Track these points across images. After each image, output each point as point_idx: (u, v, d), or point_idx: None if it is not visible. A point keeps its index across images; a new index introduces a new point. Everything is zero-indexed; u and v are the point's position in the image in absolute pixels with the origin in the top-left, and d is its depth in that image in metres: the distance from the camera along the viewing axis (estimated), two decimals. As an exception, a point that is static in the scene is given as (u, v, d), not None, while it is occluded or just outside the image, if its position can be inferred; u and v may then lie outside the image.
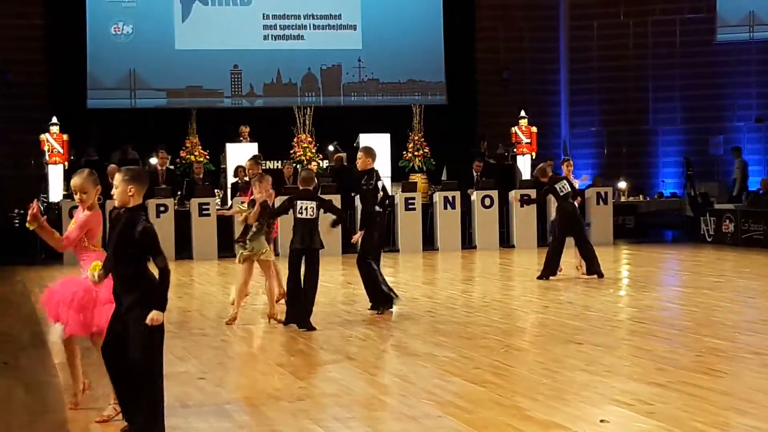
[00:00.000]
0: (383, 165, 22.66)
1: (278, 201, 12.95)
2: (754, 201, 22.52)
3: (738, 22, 26.10)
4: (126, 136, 23.64)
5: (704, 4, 26.66)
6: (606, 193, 21.93)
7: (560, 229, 15.80)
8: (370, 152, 12.55)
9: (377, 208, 12.47)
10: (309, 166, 22.63)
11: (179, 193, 21.75)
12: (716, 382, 8.14)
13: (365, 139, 23.15)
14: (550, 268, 15.73)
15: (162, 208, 20.19)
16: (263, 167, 23.03)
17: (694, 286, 14.96)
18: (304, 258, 11.44)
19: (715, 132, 26.91)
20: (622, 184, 25.01)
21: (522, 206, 19.57)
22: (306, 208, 11.44)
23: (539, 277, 15.68)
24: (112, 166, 21.41)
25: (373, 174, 12.48)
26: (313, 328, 11.22)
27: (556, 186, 15.70)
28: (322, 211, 11.56)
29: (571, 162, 16.25)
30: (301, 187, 11.76)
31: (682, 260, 19.51)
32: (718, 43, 26.47)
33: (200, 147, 23.20)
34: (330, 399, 7.87)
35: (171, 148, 22.90)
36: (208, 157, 23.14)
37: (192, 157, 22.90)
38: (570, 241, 15.95)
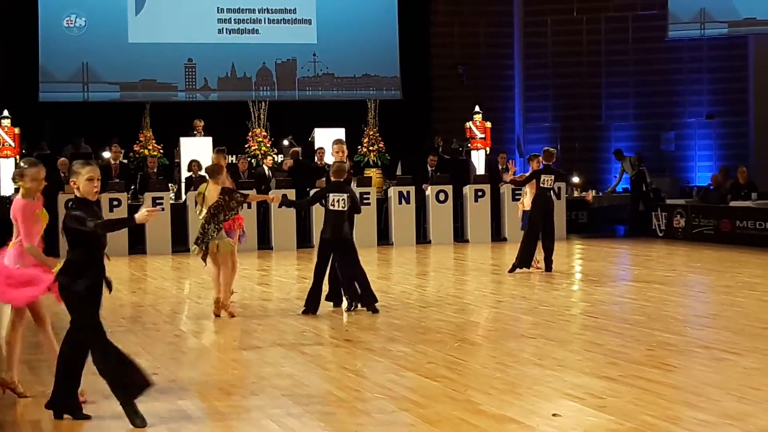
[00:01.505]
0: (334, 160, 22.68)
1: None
2: (705, 197, 22.77)
3: (690, 19, 26.33)
4: (79, 129, 23.45)
5: (656, 1, 26.87)
6: (559, 188, 22.06)
7: (535, 221, 15.86)
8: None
9: None
10: (264, 161, 22.61)
11: (133, 187, 21.63)
12: (667, 376, 8.24)
13: (320, 134, 23.18)
14: (523, 261, 15.80)
15: (115, 203, 20.08)
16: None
17: (645, 280, 15.10)
18: (334, 249, 11.84)
19: (666, 128, 27.16)
20: (575, 179, 25.18)
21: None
22: (337, 200, 11.75)
23: (511, 270, 15.73)
24: (63, 159, 21.28)
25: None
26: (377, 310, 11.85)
27: (543, 176, 15.83)
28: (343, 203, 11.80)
29: (540, 158, 16.32)
30: (333, 179, 11.99)
31: (633, 255, 19.69)
32: (670, 40, 26.69)
33: (154, 141, 23.04)
34: (284, 394, 7.87)
35: (124, 142, 22.76)
36: (162, 151, 23.00)
37: (146, 151, 22.75)
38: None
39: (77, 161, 7.20)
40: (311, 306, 11.95)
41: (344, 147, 13.00)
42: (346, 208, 11.87)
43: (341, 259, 11.98)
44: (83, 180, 6.96)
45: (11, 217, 7.70)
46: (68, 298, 6.98)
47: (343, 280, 12.12)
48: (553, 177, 15.98)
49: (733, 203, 21.04)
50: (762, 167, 24.92)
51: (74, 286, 6.90)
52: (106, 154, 22.43)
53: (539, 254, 16.00)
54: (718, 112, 26.94)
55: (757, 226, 19.84)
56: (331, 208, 11.85)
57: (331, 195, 11.86)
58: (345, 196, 11.86)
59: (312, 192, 12.98)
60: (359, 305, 12.06)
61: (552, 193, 16.18)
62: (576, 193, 24.84)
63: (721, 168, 23.83)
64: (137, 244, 20.22)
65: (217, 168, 12.02)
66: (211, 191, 11.78)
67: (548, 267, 15.89)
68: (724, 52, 26.95)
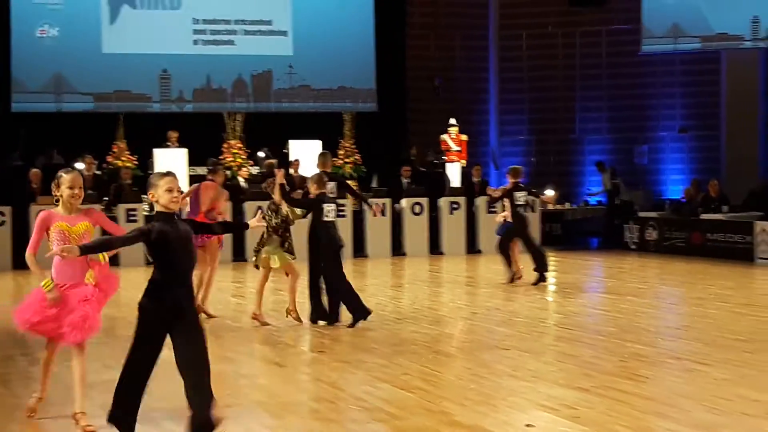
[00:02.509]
0: (314, 172, 22.68)
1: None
2: (677, 210, 22.92)
3: (663, 33, 26.52)
4: (52, 140, 23.34)
5: (630, 16, 27.04)
6: (534, 201, 22.16)
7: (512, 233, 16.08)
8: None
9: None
10: (239, 173, 22.61)
11: (106, 198, 21.56)
12: (639, 387, 8.30)
13: (296, 146, 23.19)
14: (541, 266, 16.07)
15: (89, 214, 19.98)
16: (195, 173, 23.00)
17: (618, 292, 15.19)
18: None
19: (639, 141, 27.34)
20: (550, 192, 25.26)
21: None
22: (331, 210, 11.95)
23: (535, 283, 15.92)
24: (35, 170, 21.19)
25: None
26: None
27: (514, 193, 16.02)
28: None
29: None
30: (320, 190, 12.09)
31: (606, 267, 19.79)
32: (643, 54, 26.88)
33: (128, 152, 23.01)
34: (258, 406, 7.88)
35: (98, 153, 22.66)
36: (136, 162, 22.95)
37: (119, 162, 22.70)
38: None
39: (155, 173, 6.69)
40: (360, 311, 11.96)
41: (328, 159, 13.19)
42: (336, 218, 12.08)
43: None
44: (162, 192, 6.40)
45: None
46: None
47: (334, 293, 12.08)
48: (525, 193, 16.13)
49: (704, 216, 21.21)
50: (733, 181, 25.12)
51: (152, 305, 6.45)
52: (79, 165, 22.32)
53: (522, 264, 16.19)
54: (690, 126, 27.14)
55: (728, 238, 19.99)
56: (325, 218, 11.94)
57: (325, 206, 11.97)
58: (334, 206, 12.07)
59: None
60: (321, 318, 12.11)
61: (525, 210, 16.30)
62: (550, 206, 24.95)
63: (693, 181, 24.01)
64: (112, 256, 20.11)
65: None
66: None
67: (516, 277, 16.10)
68: (697, 67, 27.17)
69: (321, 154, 13.26)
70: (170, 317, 6.36)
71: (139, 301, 6.43)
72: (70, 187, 7.25)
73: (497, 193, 16.58)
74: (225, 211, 14.28)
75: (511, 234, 16.13)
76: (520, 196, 16.03)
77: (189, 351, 6.41)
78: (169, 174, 6.54)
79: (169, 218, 6.39)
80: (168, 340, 6.44)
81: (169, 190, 6.40)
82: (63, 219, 7.27)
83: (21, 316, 7.37)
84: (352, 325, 11.84)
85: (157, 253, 6.34)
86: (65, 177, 7.29)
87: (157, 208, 6.45)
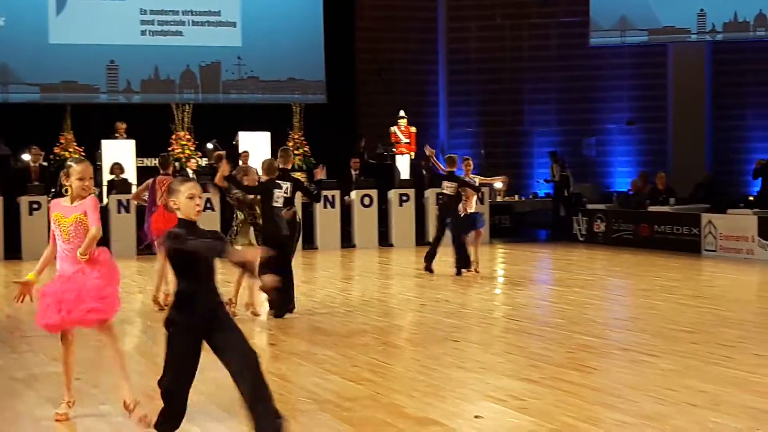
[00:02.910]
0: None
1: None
2: (625, 202, 23.11)
3: (611, 26, 26.71)
4: (-2, 131, 23.08)
5: (578, 8, 27.20)
6: (483, 193, 22.20)
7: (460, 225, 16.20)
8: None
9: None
10: (188, 164, 22.47)
11: (53, 190, 21.32)
12: (586, 378, 8.37)
13: (245, 137, 23.09)
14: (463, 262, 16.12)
15: (35, 206, 19.84)
16: (142, 164, 22.83)
17: (566, 284, 15.30)
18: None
19: (588, 134, 27.52)
20: (499, 185, 25.38)
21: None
22: (279, 197, 11.85)
23: (458, 273, 16.03)
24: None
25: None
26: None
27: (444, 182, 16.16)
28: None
29: (471, 161, 16.62)
30: (267, 177, 12.03)
31: (555, 259, 19.92)
32: (592, 47, 27.05)
33: (75, 143, 22.80)
34: (208, 399, 7.85)
35: (45, 144, 22.41)
36: (83, 153, 22.73)
37: (66, 154, 22.47)
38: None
39: (176, 178, 6.41)
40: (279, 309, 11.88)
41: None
42: (281, 204, 11.96)
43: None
44: (183, 198, 6.08)
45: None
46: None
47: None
48: (455, 185, 16.16)
49: (651, 208, 21.40)
50: (680, 173, 25.38)
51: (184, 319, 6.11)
52: (26, 157, 22.08)
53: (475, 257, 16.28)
54: (638, 119, 27.37)
55: (675, 230, 20.20)
56: (276, 204, 11.90)
57: (276, 191, 11.91)
58: (281, 192, 11.93)
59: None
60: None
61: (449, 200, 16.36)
62: (499, 198, 25.07)
63: (640, 173, 24.22)
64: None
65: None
66: None
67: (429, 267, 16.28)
68: (644, 60, 27.40)
69: (282, 150, 13.03)
70: (204, 325, 6.09)
71: (166, 317, 6.13)
72: (80, 179, 7.08)
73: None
74: None
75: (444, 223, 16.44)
76: (448, 186, 16.13)
77: (234, 355, 6.23)
78: (190, 180, 6.28)
79: (192, 226, 6.07)
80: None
81: (191, 197, 6.09)
82: (60, 209, 7.18)
83: (41, 322, 7.25)
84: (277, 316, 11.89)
85: (181, 262, 6.02)
86: (75, 167, 7.10)
87: (178, 215, 6.13)
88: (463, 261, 16.07)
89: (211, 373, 8.88)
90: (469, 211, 16.22)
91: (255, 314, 12.05)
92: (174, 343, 6.12)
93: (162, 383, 6.17)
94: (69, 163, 7.19)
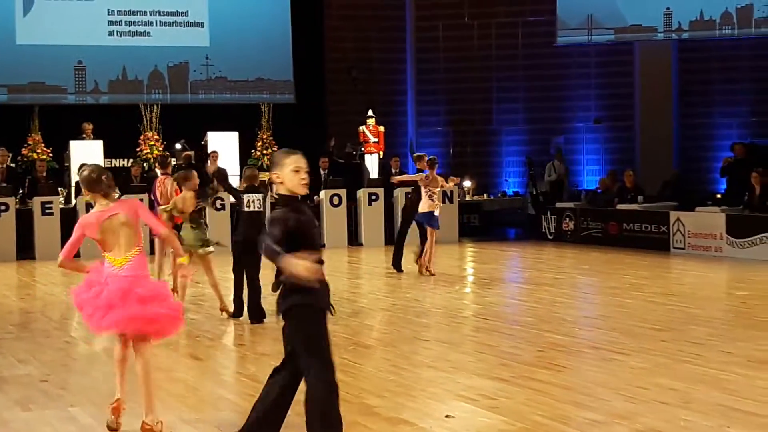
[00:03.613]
0: (231, 163, 22.57)
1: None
2: (593, 200, 23.21)
3: (577, 25, 26.82)
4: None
5: (545, 7, 27.28)
6: (451, 192, 22.27)
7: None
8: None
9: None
10: (156, 165, 22.38)
11: (21, 191, 21.20)
12: (557, 377, 8.39)
13: (213, 137, 23.02)
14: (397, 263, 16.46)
15: (3, 207, 19.69)
16: (111, 165, 22.71)
17: (535, 282, 15.34)
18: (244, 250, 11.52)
19: (556, 132, 27.60)
20: (467, 183, 25.45)
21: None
22: (253, 201, 11.80)
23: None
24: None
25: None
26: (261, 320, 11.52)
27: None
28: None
29: (436, 160, 16.76)
30: (246, 184, 12.06)
31: (524, 258, 19.98)
32: (559, 46, 27.15)
33: (43, 144, 22.66)
34: (177, 400, 7.81)
35: (12, 145, 22.25)
36: (51, 154, 22.60)
37: (34, 155, 22.34)
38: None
39: (281, 150, 5.90)
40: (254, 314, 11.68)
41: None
42: (262, 209, 11.86)
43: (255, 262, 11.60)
44: (288, 171, 5.65)
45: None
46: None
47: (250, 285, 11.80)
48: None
49: (620, 206, 21.50)
50: (648, 171, 25.51)
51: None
52: (-7, 158, 21.94)
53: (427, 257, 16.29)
54: (605, 117, 27.47)
55: (644, 228, 20.30)
56: (246, 209, 11.84)
57: (246, 196, 11.87)
58: (261, 196, 11.91)
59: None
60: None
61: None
62: (468, 197, 25.11)
63: (608, 172, 24.33)
64: (25, 249, 19.82)
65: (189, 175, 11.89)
66: (188, 199, 11.67)
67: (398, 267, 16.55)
68: (611, 58, 27.51)
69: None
70: (326, 305, 5.76)
71: (290, 304, 5.65)
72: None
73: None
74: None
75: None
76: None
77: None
78: (295, 152, 5.78)
79: (296, 202, 5.65)
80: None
81: (297, 171, 5.64)
82: None
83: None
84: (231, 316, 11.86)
85: (293, 241, 5.49)
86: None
87: (279, 190, 5.67)
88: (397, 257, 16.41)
89: (180, 374, 8.87)
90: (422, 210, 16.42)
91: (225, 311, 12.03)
92: (311, 329, 5.74)
93: (319, 383, 5.73)
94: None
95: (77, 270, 7.23)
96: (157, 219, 7.19)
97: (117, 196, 7.00)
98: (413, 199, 16.52)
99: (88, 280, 6.97)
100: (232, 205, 20.14)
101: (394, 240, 17.31)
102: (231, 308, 11.91)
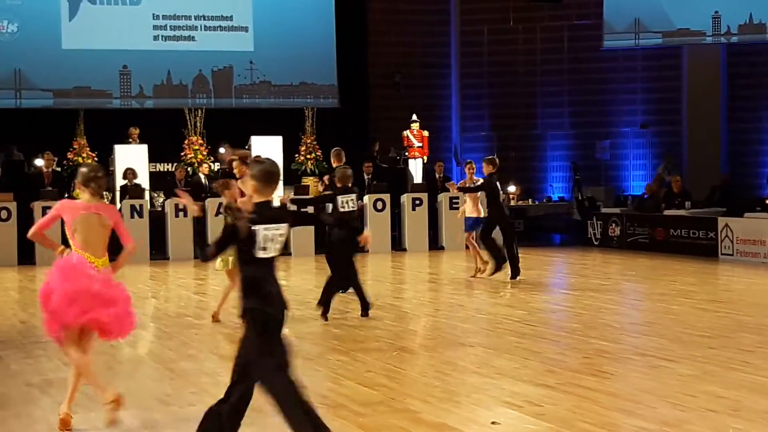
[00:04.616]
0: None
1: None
2: (639, 205, 23.01)
3: (624, 29, 26.63)
4: (11, 137, 23.04)
5: (591, 11, 27.13)
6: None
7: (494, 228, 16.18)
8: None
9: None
10: (200, 169, 22.48)
11: (66, 195, 21.32)
12: (603, 384, 8.29)
13: (257, 142, 23.05)
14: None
15: (48, 211, 19.79)
16: (155, 170, 22.87)
17: (581, 288, 15.21)
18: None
19: (601, 137, 27.41)
20: (512, 188, 25.32)
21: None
22: (347, 202, 12.19)
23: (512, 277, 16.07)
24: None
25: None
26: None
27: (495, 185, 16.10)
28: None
29: (473, 165, 16.60)
30: (339, 185, 12.40)
31: (569, 263, 19.83)
32: (605, 50, 26.96)
33: (88, 148, 22.80)
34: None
35: (58, 149, 22.41)
36: (96, 159, 22.74)
37: (79, 159, 22.48)
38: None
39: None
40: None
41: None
42: (356, 208, 12.37)
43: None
44: None
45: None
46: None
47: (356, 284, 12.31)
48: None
49: (667, 212, 21.29)
50: (695, 176, 25.26)
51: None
52: (39, 162, 22.11)
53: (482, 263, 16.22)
54: (652, 122, 27.25)
55: (691, 234, 20.08)
56: (343, 210, 12.18)
57: (340, 198, 12.21)
58: (354, 196, 12.31)
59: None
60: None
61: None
62: (513, 203, 24.98)
63: (655, 177, 24.10)
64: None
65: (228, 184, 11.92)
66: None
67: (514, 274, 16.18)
68: (658, 62, 27.30)
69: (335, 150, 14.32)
70: (280, 310, 6.08)
71: (246, 307, 5.99)
72: None
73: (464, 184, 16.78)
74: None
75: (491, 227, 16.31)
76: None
77: None
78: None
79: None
80: None
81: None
82: None
83: None
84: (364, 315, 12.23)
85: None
86: None
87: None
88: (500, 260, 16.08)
89: (225, 378, 8.83)
90: (467, 215, 16.27)
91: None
92: (262, 332, 5.97)
93: (275, 386, 5.95)
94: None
95: (48, 246, 7.60)
96: (127, 232, 7.32)
97: (104, 199, 7.27)
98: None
99: (68, 275, 7.10)
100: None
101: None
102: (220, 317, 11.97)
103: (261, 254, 5.86)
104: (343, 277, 12.20)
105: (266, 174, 6.02)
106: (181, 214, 20.49)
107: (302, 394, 5.88)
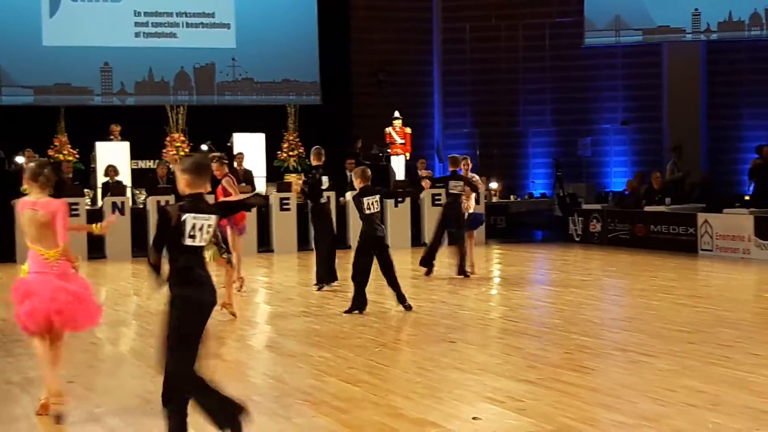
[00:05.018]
0: (258, 165, 22.59)
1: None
2: (620, 202, 23.08)
3: (605, 26, 26.71)
4: (-9, 134, 23.00)
5: (573, 8, 27.20)
6: (478, 194, 22.16)
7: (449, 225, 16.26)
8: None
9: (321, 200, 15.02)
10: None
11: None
12: (584, 379, 8.33)
13: (240, 139, 23.05)
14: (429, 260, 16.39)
15: (29, 208, 19.73)
16: (137, 167, 22.82)
17: (562, 284, 15.26)
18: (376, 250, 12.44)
19: (583, 134, 27.49)
20: (494, 185, 25.37)
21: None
22: (372, 203, 12.29)
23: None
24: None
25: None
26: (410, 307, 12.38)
27: (450, 182, 16.15)
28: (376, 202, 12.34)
29: (469, 160, 16.62)
30: (362, 184, 12.45)
31: (551, 259, 19.89)
32: (586, 47, 27.04)
33: (69, 146, 22.74)
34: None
35: (39, 146, 22.29)
36: (77, 156, 22.69)
37: (61, 156, 22.43)
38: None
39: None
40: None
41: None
42: (379, 209, 12.39)
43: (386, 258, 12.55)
44: None
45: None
46: None
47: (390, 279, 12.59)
48: (462, 183, 16.13)
49: (647, 208, 21.37)
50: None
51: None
52: (20, 159, 22.01)
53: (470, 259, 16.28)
54: (632, 119, 27.34)
55: (671, 230, 20.17)
56: (368, 212, 12.30)
57: (365, 199, 12.29)
58: (377, 197, 12.35)
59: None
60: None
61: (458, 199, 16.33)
62: (495, 199, 25.03)
63: (636, 173, 24.19)
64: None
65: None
66: None
67: (461, 271, 16.09)
68: (639, 59, 27.39)
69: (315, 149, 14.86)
70: (209, 300, 6.26)
71: (175, 294, 6.12)
72: None
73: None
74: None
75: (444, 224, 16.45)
76: (455, 185, 16.11)
77: None
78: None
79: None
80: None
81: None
82: None
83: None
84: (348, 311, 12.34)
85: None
86: None
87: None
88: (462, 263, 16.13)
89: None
90: (470, 210, 16.27)
91: (233, 314, 11.98)
92: (185, 319, 6.13)
93: (178, 374, 6.15)
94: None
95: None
96: (65, 229, 7.35)
97: (52, 194, 7.38)
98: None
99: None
100: (298, 205, 20.47)
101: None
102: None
103: (189, 242, 6.07)
104: (358, 272, 12.49)
105: (197, 167, 6.24)
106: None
107: (211, 383, 6.18)
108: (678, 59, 26.95)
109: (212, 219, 6.17)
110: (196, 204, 6.14)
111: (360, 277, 12.44)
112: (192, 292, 6.07)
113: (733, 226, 18.88)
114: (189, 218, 6.06)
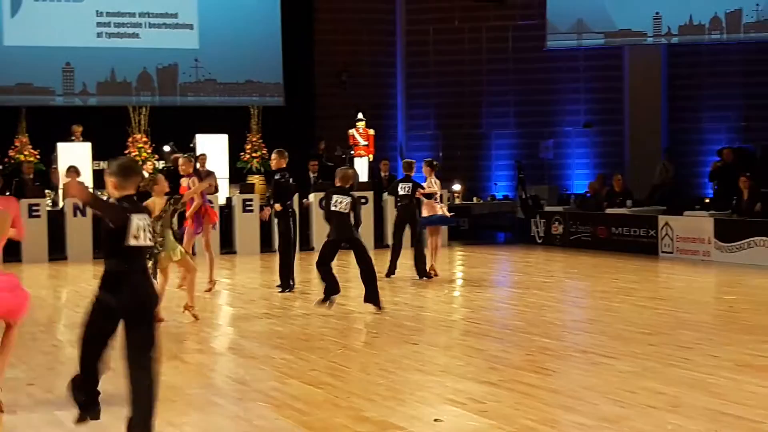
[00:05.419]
0: (220, 166, 22.51)
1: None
2: (582, 204, 23.22)
3: (567, 29, 26.83)
4: (-49, 134, 22.80)
5: (535, 11, 27.31)
6: (441, 196, 22.19)
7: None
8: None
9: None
10: (144, 167, 22.32)
11: (8, 193, 21.08)
12: (546, 381, 8.38)
13: (202, 140, 22.95)
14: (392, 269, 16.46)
15: (-10, 209, 19.56)
16: (99, 167, 22.66)
17: (524, 286, 15.33)
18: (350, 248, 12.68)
19: (545, 136, 27.61)
20: (457, 187, 25.42)
21: None
22: (340, 202, 12.42)
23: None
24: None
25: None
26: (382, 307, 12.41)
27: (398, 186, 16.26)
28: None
29: (433, 163, 16.78)
30: (338, 184, 12.64)
31: (513, 261, 19.98)
32: (549, 50, 27.16)
33: (30, 146, 22.56)
34: (163, 403, 7.75)
35: (-1, 147, 22.21)
36: (38, 156, 22.52)
37: (21, 157, 22.25)
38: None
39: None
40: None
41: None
42: (347, 210, 12.49)
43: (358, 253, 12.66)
44: None
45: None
46: None
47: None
48: (410, 185, 16.32)
49: (609, 210, 21.51)
50: (636, 175, 25.53)
51: None
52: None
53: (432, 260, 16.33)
54: (594, 121, 27.49)
55: (632, 232, 20.32)
56: (333, 209, 12.42)
57: (334, 197, 12.45)
58: (349, 199, 12.48)
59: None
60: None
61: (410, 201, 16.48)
62: (457, 201, 25.08)
63: (597, 176, 24.34)
64: (12, 253, 19.71)
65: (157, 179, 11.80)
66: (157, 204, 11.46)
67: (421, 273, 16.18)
68: (601, 62, 27.54)
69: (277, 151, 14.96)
70: (118, 306, 6.32)
71: (94, 295, 6.29)
72: None
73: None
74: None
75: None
76: (405, 187, 16.32)
77: None
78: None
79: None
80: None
81: None
82: None
83: None
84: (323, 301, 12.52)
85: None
86: None
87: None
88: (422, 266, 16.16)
89: (168, 378, 8.82)
90: (439, 213, 16.38)
91: (195, 317, 11.93)
92: (89, 318, 6.39)
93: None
94: None
95: None
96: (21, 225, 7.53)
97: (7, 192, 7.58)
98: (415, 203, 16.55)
99: None
100: (261, 206, 20.39)
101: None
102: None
103: (133, 242, 6.09)
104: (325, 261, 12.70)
105: (124, 169, 6.34)
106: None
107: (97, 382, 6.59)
108: (639, 62, 27.13)
109: (148, 219, 6.25)
110: (135, 204, 6.22)
111: (325, 266, 12.61)
112: (109, 297, 6.13)
113: (694, 228, 19.04)
114: (134, 218, 6.11)
